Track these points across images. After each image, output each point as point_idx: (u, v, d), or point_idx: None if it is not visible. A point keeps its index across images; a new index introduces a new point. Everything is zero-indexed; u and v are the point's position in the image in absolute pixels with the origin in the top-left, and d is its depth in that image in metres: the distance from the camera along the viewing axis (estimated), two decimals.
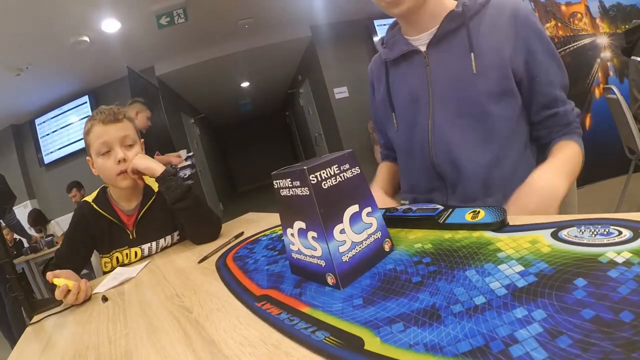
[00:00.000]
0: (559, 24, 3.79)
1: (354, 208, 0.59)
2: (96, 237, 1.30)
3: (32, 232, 5.22)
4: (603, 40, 3.82)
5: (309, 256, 0.59)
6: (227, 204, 8.71)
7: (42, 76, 5.01)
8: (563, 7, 3.82)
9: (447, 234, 0.64)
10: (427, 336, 0.38)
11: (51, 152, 6.19)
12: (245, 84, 8.76)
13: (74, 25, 4.16)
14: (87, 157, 1.29)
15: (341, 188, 0.58)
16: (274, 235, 1.02)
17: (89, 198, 1.33)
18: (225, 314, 0.61)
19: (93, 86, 5.93)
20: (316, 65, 6.39)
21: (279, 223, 1.11)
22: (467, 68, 0.88)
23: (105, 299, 0.92)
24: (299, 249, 0.61)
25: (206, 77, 6.69)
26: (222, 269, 0.86)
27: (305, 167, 0.55)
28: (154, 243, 1.31)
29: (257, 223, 1.30)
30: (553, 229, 0.53)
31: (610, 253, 0.42)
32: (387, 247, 0.63)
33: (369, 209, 0.61)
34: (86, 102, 6.03)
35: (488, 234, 0.59)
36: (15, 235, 5.18)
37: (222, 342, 0.51)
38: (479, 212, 0.65)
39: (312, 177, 0.55)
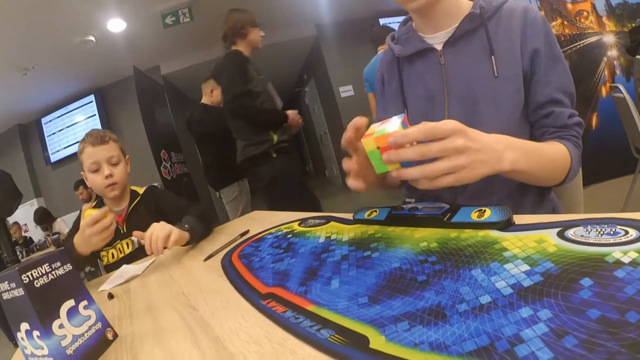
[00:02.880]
0: (565, 22, 3.77)
1: (70, 303, 0.61)
2: None
3: (38, 230, 5.27)
4: (609, 38, 3.79)
5: (40, 356, 0.59)
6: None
7: (48, 76, 5.04)
8: (569, 5, 3.80)
9: (453, 233, 0.64)
10: (432, 335, 0.38)
11: (57, 151, 6.22)
12: None
13: (80, 25, 4.17)
14: (82, 172, 1.53)
15: (54, 285, 0.60)
16: (279, 233, 1.02)
17: (90, 206, 1.47)
18: (231, 312, 0.61)
19: (99, 85, 5.96)
20: (321, 63, 6.39)
21: (285, 221, 1.12)
22: (487, 71, 0.88)
23: (111, 296, 0.92)
24: (32, 352, 0.60)
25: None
26: (227, 267, 0.86)
27: (16, 268, 0.56)
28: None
29: (262, 221, 1.31)
30: (559, 229, 0.53)
31: (616, 253, 0.42)
32: (110, 336, 0.65)
33: (85, 303, 0.64)
34: (92, 102, 6.06)
35: (494, 233, 0.59)
36: (25, 233, 5.24)
37: (227, 339, 0.52)
38: (484, 210, 0.65)
39: (24, 277, 0.56)
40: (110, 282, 1.06)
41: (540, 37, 0.87)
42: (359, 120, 0.70)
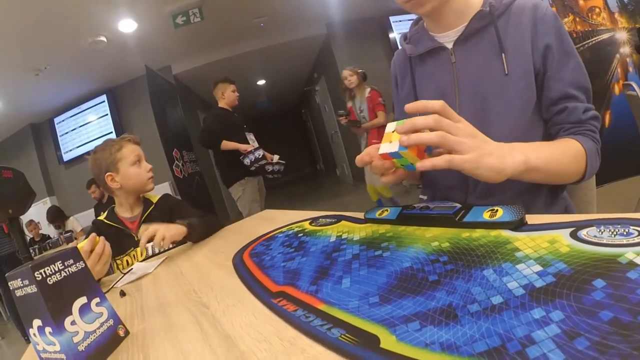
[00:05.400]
0: (577, 19, 3.73)
1: (82, 300, 0.62)
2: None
3: (51, 228, 5.35)
4: (622, 35, 3.74)
5: (52, 352, 0.59)
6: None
7: (60, 76, 5.09)
8: (581, 2, 3.75)
9: (465, 233, 0.63)
10: (443, 335, 0.38)
11: (70, 150, 6.29)
12: (261, 82, 8.79)
13: (92, 26, 4.22)
14: (108, 174, 1.53)
15: (67, 282, 0.61)
16: (290, 232, 1.02)
17: (101, 217, 1.59)
18: (242, 310, 0.61)
19: (110, 85, 6.01)
20: (332, 62, 6.38)
21: (296, 220, 1.13)
22: (498, 69, 0.88)
23: (123, 293, 0.93)
24: (43, 348, 0.61)
25: (222, 75, 6.74)
26: (238, 265, 0.87)
27: (30, 265, 0.57)
28: None
29: (273, 220, 1.31)
30: (572, 229, 0.52)
31: (629, 254, 0.42)
32: (121, 333, 0.66)
33: (97, 300, 0.65)
34: (104, 101, 6.11)
35: (506, 233, 0.59)
36: (41, 231, 5.31)
37: (238, 337, 0.52)
38: (497, 210, 0.65)
39: (37, 274, 0.57)
40: (123, 279, 1.07)
41: (551, 33, 0.86)
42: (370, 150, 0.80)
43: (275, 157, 3.53)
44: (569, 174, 0.82)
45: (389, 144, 0.70)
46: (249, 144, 3.43)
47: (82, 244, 1.04)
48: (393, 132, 0.70)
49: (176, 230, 1.26)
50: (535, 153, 0.73)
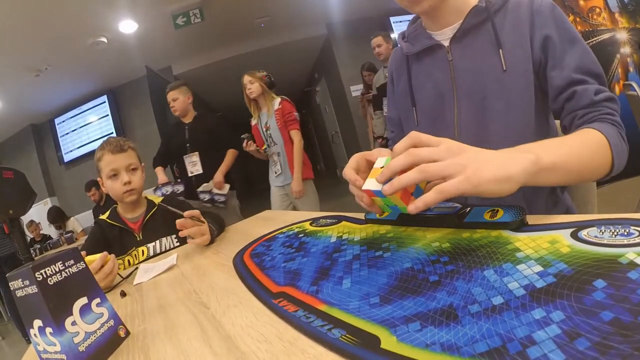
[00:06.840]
0: (578, 19, 3.73)
1: (83, 300, 0.62)
2: (109, 241, 1.51)
3: (51, 228, 5.36)
4: (622, 35, 3.73)
5: (53, 353, 0.59)
6: (244, 202, 8.77)
7: (61, 76, 5.10)
8: (581, 2, 3.74)
9: (465, 233, 0.63)
10: (444, 336, 0.38)
11: (70, 151, 6.31)
12: None
13: (92, 27, 4.23)
14: (98, 178, 1.59)
15: (68, 282, 0.61)
16: (291, 232, 1.02)
17: (104, 216, 1.58)
18: (242, 311, 0.61)
19: (111, 86, 6.02)
20: (332, 62, 6.39)
21: (296, 220, 1.13)
22: (495, 64, 0.87)
23: (123, 294, 0.93)
24: (44, 348, 0.61)
25: (223, 75, 6.73)
26: (239, 265, 0.87)
27: (30, 266, 0.57)
28: (157, 242, 1.51)
29: (273, 220, 1.31)
30: (573, 229, 0.52)
31: (630, 254, 0.42)
32: (122, 333, 0.66)
33: (98, 300, 0.65)
34: (105, 102, 6.12)
35: (507, 233, 0.58)
36: (42, 231, 5.32)
37: (238, 338, 0.52)
38: (497, 210, 0.65)
39: (38, 274, 0.57)
40: (143, 275, 1.07)
41: (549, 23, 0.84)
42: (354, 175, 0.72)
43: (225, 188, 2.93)
44: (593, 168, 0.72)
45: (374, 181, 0.64)
46: (182, 167, 3.00)
47: (91, 259, 1.03)
48: (382, 167, 0.64)
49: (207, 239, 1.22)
50: (547, 149, 0.64)
